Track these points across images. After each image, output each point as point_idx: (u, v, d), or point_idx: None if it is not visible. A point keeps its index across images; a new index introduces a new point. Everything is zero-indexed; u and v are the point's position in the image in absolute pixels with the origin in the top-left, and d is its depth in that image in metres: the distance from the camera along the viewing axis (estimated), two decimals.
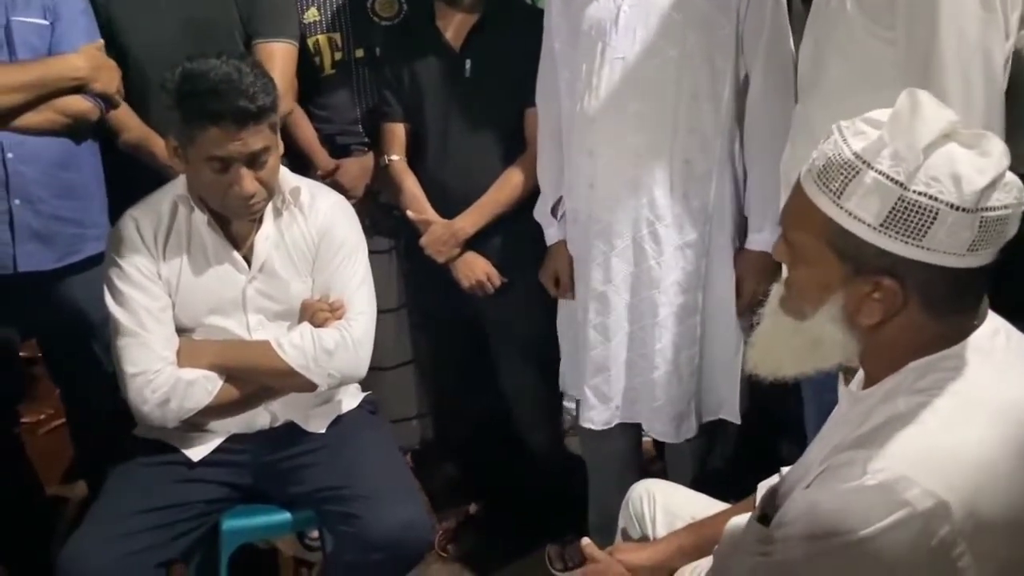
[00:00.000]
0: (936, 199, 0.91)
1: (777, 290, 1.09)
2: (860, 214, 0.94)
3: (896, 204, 0.92)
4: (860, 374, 1.09)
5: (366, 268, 1.82)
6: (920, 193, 0.92)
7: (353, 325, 1.75)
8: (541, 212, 2.04)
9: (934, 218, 0.92)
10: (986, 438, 0.94)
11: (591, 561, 1.38)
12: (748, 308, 1.75)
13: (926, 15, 1.31)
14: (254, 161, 1.60)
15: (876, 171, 0.93)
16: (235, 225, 1.73)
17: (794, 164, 1.39)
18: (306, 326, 1.73)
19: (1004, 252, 0.97)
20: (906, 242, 0.93)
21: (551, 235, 2.03)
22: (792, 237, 1.03)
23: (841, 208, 0.95)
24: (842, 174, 0.95)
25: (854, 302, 0.98)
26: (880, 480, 0.90)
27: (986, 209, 0.92)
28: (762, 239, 1.82)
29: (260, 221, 1.73)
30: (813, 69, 1.54)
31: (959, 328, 0.99)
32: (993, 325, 1.02)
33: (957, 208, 0.91)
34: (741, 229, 1.88)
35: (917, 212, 0.92)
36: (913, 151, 0.92)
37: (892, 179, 0.93)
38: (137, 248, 1.68)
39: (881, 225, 0.93)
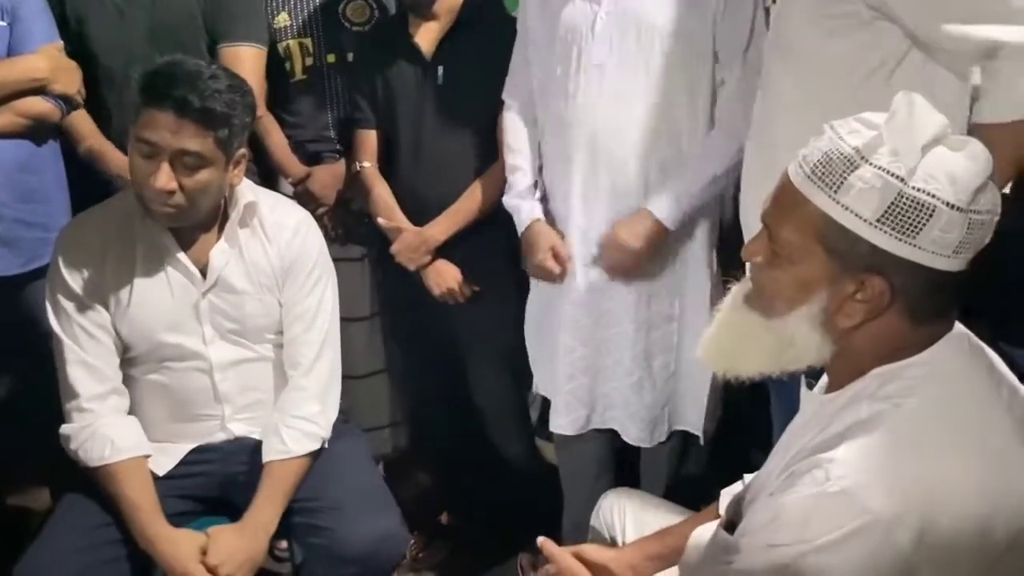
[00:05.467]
0: (934, 196, 0.92)
1: (742, 286, 1.08)
2: (857, 208, 0.94)
3: (895, 199, 0.92)
4: (824, 379, 1.09)
5: (334, 295, 1.79)
6: (919, 189, 0.92)
7: (313, 378, 1.73)
8: (514, 193, 1.95)
9: (930, 215, 0.92)
10: (949, 449, 0.93)
11: (550, 559, 1.33)
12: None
13: None
14: (179, 161, 1.54)
15: (875, 166, 0.93)
16: (191, 234, 1.67)
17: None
18: (282, 424, 1.69)
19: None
20: (899, 239, 0.93)
21: (527, 211, 1.93)
22: (779, 235, 1.01)
23: (837, 203, 0.95)
24: (840, 168, 0.95)
25: (836, 302, 0.98)
26: (842, 487, 0.90)
27: (975, 211, 0.93)
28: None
29: (220, 232, 1.69)
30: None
31: (930, 335, 0.99)
32: (957, 332, 1.02)
33: (952, 207, 0.92)
34: (716, 236, 1.88)
35: (915, 208, 0.92)
36: (912, 149, 0.93)
37: (893, 174, 0.93)
38: (80, 260, 1.64)
39: (877, 220, 0.93)
